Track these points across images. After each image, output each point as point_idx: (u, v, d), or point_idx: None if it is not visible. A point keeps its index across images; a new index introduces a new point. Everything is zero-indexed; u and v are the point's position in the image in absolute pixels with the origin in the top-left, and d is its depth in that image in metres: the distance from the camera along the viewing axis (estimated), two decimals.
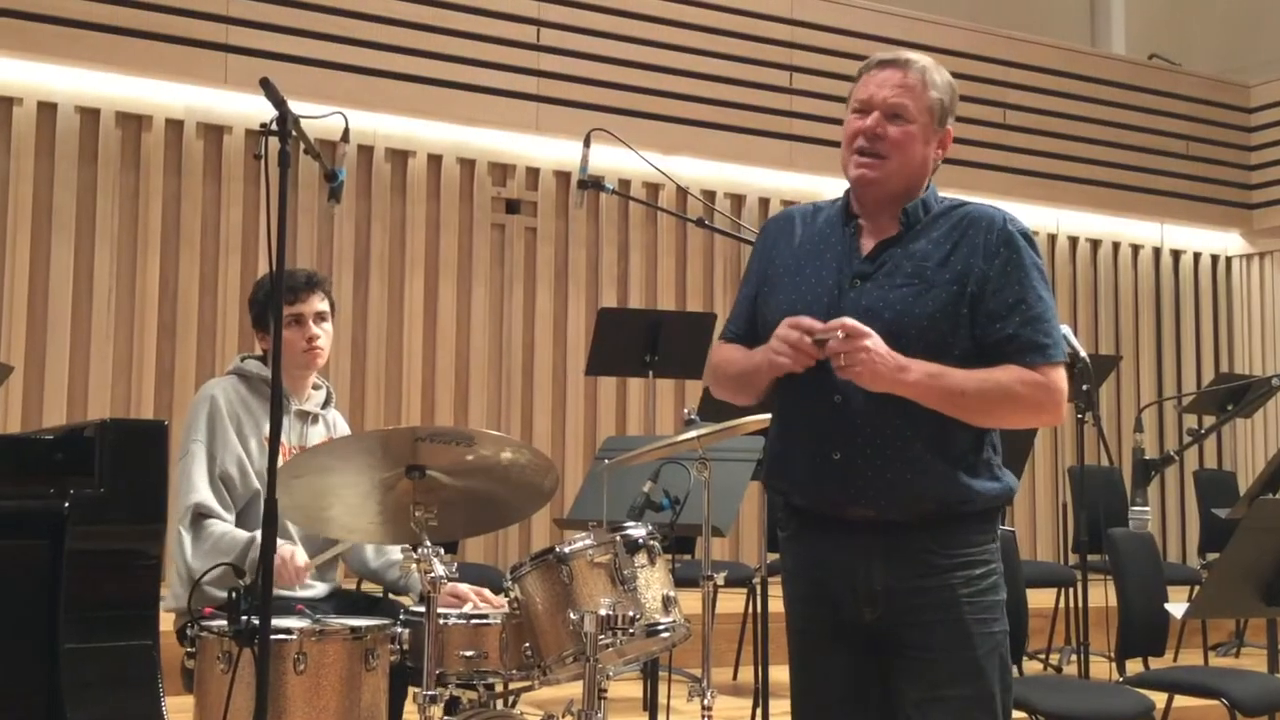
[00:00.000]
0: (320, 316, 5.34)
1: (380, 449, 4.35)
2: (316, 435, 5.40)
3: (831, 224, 3.67)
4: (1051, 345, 3.48)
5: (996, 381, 3.41)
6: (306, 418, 5.38)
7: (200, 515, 5.01)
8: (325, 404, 5.50)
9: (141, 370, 9.74)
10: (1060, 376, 3.47)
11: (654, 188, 11.46)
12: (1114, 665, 6.16)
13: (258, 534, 4.88)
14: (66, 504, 4.93)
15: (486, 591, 4.97)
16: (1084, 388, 7.26)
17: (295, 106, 4.01)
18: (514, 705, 4.72)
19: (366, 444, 4.55)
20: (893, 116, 3.55)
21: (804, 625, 3.67)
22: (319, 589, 5.27)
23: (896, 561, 3.47)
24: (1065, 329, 7.03)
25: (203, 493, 5.03)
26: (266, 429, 5.12)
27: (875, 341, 3.34)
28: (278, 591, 4.59)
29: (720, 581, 5.20)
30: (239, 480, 5.11)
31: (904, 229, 3.57)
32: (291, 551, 4.94)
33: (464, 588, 4.91)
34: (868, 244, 3.59)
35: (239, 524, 5.07)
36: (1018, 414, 3.48)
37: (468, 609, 4.77)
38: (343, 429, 5.56)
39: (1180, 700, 6.10)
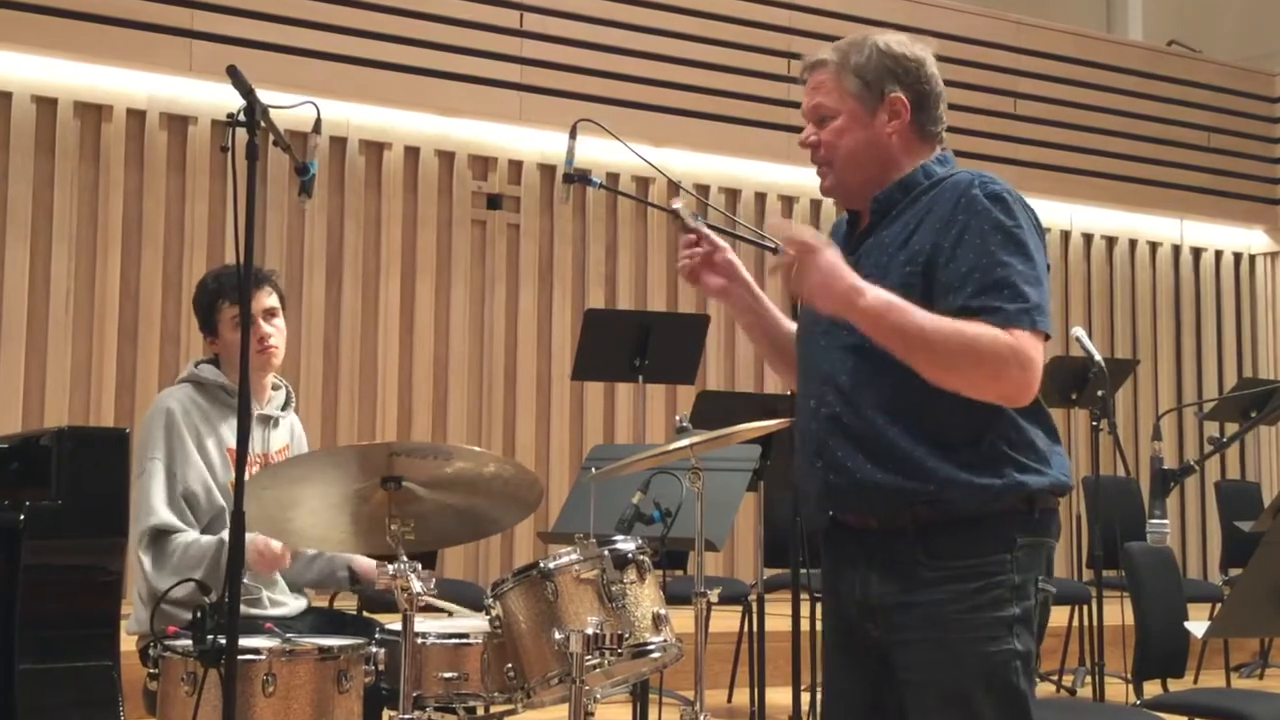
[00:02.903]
0: (270, 313, 5.33)
1: (354, 463, 4.35)
2: (279, 440, 5.40)
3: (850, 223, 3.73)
4: (1013, 311, 3.31)
5: (959, 328, 3.26)
6: (269, 422, 5.38)
7: (160, 533, 4.99)
8: (285, 405, 5.50)
9: (101, 375, 9.74)
10: (1028, 342, 3.30)
11: (644, 182, 11.47)
12: (1131, 687, 6.16)
13: (226, 534, 4.90)
14: (22, 516, 4.93)
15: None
16: (1099, 393, 7.29)
17: (264, 96, 4.01)
18: None
19: (339, 458, 4.55)
20: (819, 120, 3.65)
21: (832, 638, 3.69)
22: (291, 606, 5.27)
23: (887, 575, 3.44)
24: (1079, 331, 7.11)
25: (161, 514, 4.99)
26: (228, 437, 5.12)
27: (830, 256, 3.30)
28: (247, 610, 4.60)
29: (714, 599, 5.20)
30: (203, 498, 5.09)
31: (876, 218, 3.56)
32: (265, 540, 4.93)
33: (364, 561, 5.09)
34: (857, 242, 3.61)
35: None
36: (977, 371, 3.29)
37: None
38: (299, 434, 5.56)
39: None
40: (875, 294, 3.29)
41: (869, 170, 3.57)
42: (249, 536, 4.92)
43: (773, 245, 5.38)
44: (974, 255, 3.35)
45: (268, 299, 5.34)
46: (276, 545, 4.97)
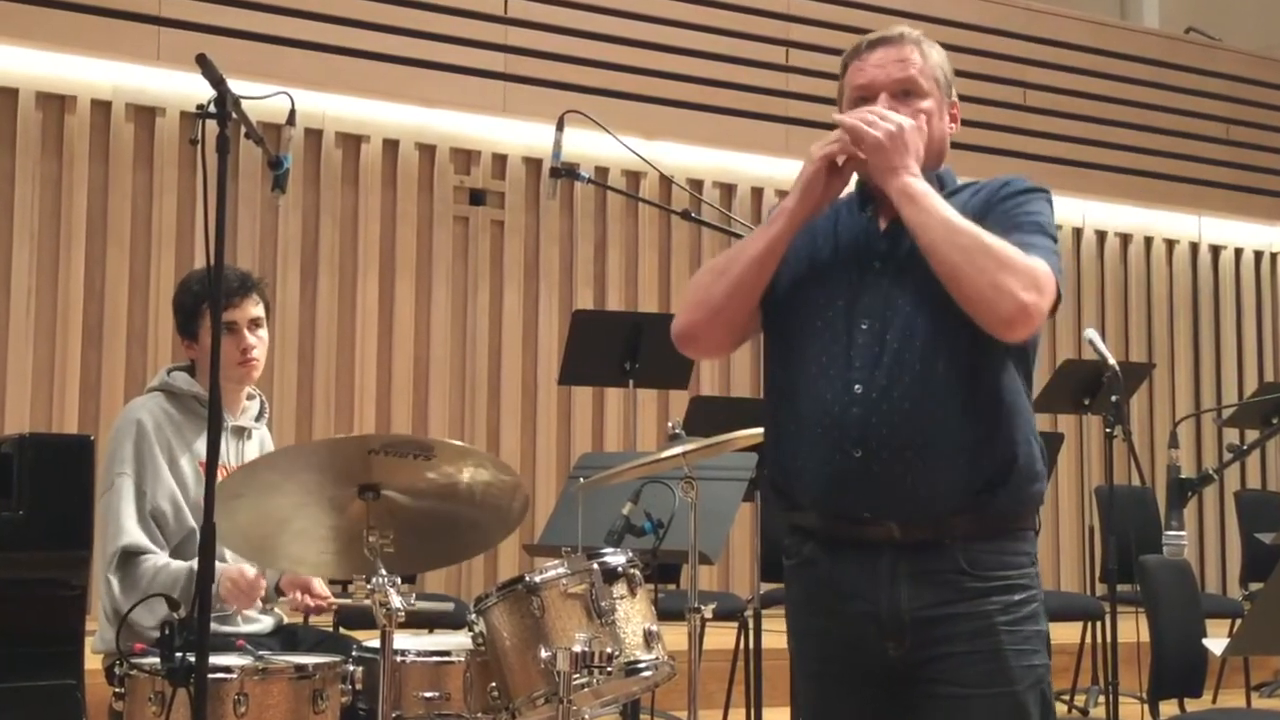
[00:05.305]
0: (255, 323, 5.31)
1: (329, 462, 4.35)
2: (251, 453, 5.39)
3: (849, 207, 3.66)
4: (1039, 249, 3.40)
5: (985, 232, 3.37)
6: (243, 434, 5.38)
7: (129, 554, 4.98)
8: (259, 417, 5.49)
9: (64, 379, 9.73)
10: (1047, 274, 3.36)
11: (635, 176, 11.48)
12: (1146, 707, 6.17)
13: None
14: None
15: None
16: (1113, 399, 7.29)
17: (235, 85, 4.01)
18: None
19: (314, 456, 4.54)
20: (903, 95, 3.56)
21: (818, 666, 3.62)
22: (264, 623, 5.27)
23: (925, 586, 3.42)
24: (1092, 333, 7.10)
25: (132, 534, 4.99)
26: (201, 450, 5.09)
27: (910, 126, 3.42)
28: (218, 627, 4.60)
29: (708, 614, 5.21)
30: (172, 517, 5.08)
31: None
32: (239, 570, 4.94)
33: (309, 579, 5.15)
34: (885, 223, 3.58)
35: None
36: (988, 271, 3.31)
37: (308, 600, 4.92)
38: (269, 449, 5.54)
39: None
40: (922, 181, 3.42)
41: (929, 162, 3.57)
42: (220, 567, 4.93)
43: None
44: (1010, 221, 3.46)
45: (254, 308, 5.31)
46: (250, 572, 4.97)
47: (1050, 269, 3.37)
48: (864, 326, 3.45)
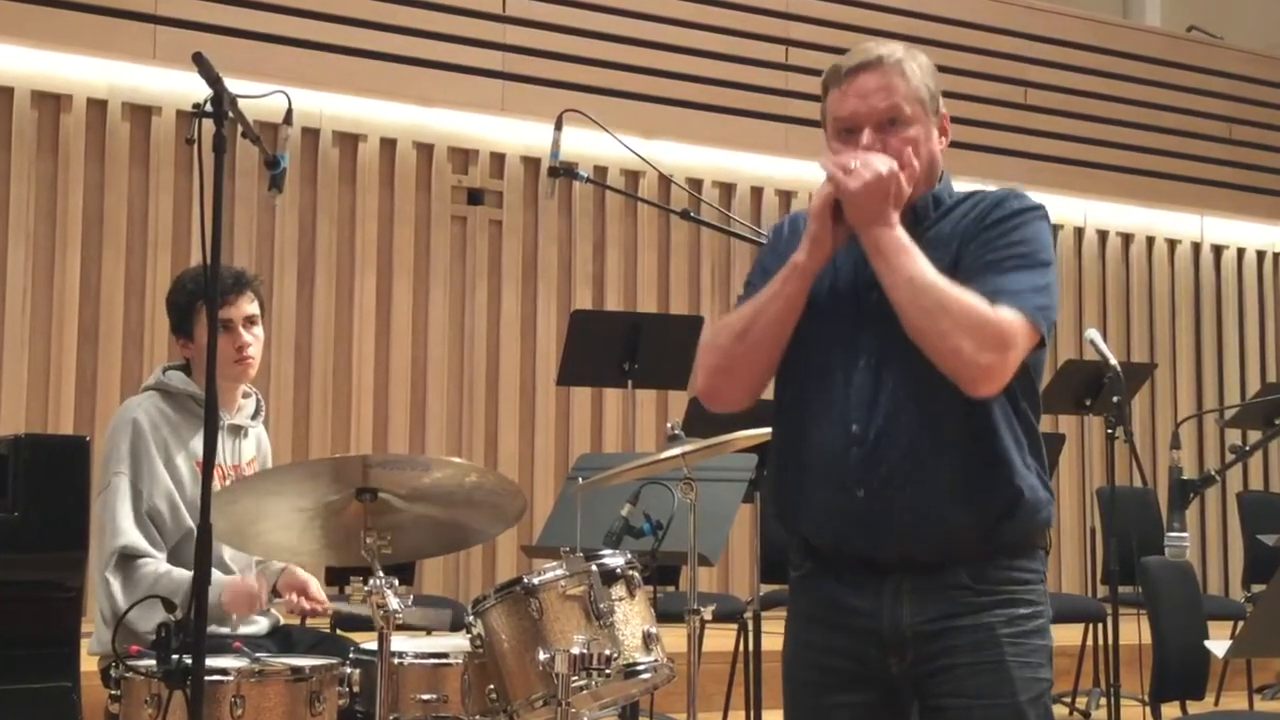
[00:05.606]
0: (250, 320, 5.31)
1: (328, 476, 4.35)
2: (248, 451, 5.39)
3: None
4: (1013, 294, 3.35)
5: (952, 287, 3.33)
6: (239, 432, 5.38)
7: (128, 557, 4.97)
8: (255, 415, 5.48)
9: (60, 380, 9.72)
10: (1015, 325, 3.32)
11: (633, 175, 11.47)
12: (1148, 709, 6.17)
13: None
14: None
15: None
16: (1115, 399, 7.29)
17: (232, 84, 4.01)
18: None
19: (312, 471, 4.55)
20: (888, 124, 3.51)
21: (817, 676, 3.60)
22: (260, 624, 5.26)
23: (928, 602, 3.42)
24: (1093, 334, 7.11)
25: (129, 534, 4.99)
26: (198, 450, 5.08)
27: (888, 173, 3.36)
28: (214, 629, 4.60)
29: (708, 616, 5.20)
30: (169, 517, 5.08)
31: (913, 226, 3.50)
32: (241, 579, 4.96)
33: (303, 575, 5.15)
34: None
35: (170, 564, 5.04)
36: (947, 335, 3.30)
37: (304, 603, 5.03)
38: (265, 447, 5.54)
39: None
40: (901, 234, 3.37)
41: (922, 184, 3.55)
42: (225, 579, 4.93)
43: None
44: (992, 249, 3.43)
45: (248, 305, 5.32)
46: (252, 582, 4.99)
47: (1023, 315, 3.34)
48: (861, 363, 3.46)
